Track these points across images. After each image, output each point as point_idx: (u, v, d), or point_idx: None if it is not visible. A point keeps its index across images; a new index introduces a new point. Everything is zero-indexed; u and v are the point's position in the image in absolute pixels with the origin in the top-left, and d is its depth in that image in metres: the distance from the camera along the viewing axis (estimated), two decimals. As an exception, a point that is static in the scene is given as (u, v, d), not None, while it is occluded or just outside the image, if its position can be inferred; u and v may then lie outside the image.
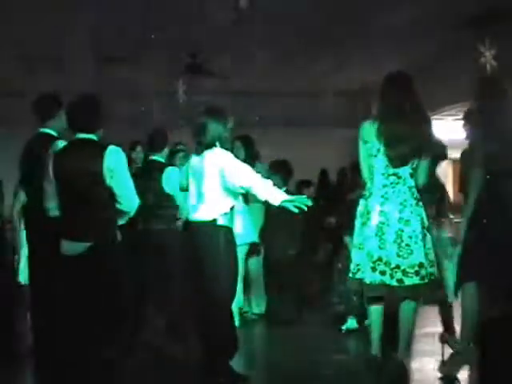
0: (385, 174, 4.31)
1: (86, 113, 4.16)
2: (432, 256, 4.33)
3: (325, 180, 11.23)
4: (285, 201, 4.41)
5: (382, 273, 4.25)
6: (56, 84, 10.25)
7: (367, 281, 4.31)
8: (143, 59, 9.09)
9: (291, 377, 5.04)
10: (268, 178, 6.48)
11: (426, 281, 4.25)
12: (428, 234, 4.34)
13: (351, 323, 5.98)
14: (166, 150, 5.94)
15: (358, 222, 4.43)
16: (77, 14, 7.10)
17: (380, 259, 4.26)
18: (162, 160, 5.87)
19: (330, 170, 11.18)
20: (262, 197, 4.47)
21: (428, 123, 4.44)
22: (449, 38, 8.08)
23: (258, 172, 5.34)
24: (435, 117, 10.80)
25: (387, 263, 4.24)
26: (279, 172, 6.57)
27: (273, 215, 6.34)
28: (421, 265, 4.22)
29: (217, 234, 4.42)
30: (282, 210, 5.72)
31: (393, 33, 7.94)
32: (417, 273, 4.22)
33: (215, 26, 7.54)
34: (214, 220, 4.43)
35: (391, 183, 4.30)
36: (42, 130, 4.91)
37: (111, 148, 4.09)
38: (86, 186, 4.02)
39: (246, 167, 4.51)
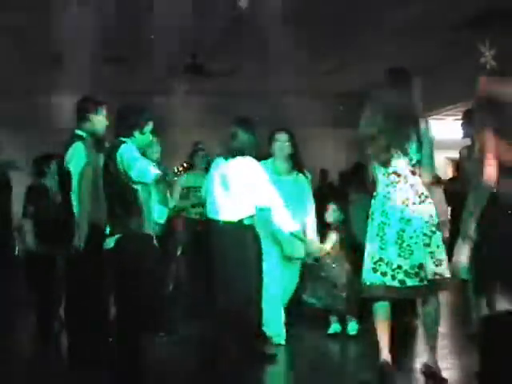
0: (385, 173, 4.27)
1: (122, 119, 4.40)
2: (441, 254, 4.21)
3: (325, 180, 11.25)
4: (292, 234, 5.02)
5: (383, 274, 4.18)
6: (56, 84, 10.28)
7: (367, 282, 4.25)
8: (143, 59, 9.10)
9: (291, 377, 5.06)
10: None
11: (426, 282, 4.14)
12: (437, 232, 4.23)
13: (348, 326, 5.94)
14: None
15: (368, 224, 4.37)
16: (77, 14, 7.11)
17: (381, 260, 4.19)
18: None
19: (330, 171, 11.20)
20: (276, 221, 4.95)
21: (417, 114, 4.34)
22: (449, 38, 8.09)
23: None
24: (435, 117, 10.82)
25: (388, 264, 4.17)
26: None
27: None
28: (420, 266, 4.13)
29: (243, 234, 4.83)
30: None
31: (393, 33, 7.95)
32: (416, 274, 4.13)
33: (215, 26, 7.54)
34: (241, 220, 4.82)
35: (392, 182, 4.24)
36: (76, 131, 4.98)
37: (121, 147, 4.25)
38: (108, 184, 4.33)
39: (269, 186, 4.90)
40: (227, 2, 6.67)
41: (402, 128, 4.23)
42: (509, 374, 3.53)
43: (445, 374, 4.50)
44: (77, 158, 4.81)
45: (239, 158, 4.91)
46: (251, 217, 4.91)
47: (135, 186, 4.22)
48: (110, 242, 4.28)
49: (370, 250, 4.27)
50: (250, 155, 4.95)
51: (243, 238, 4.84)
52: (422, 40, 8.23)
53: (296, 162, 5.68)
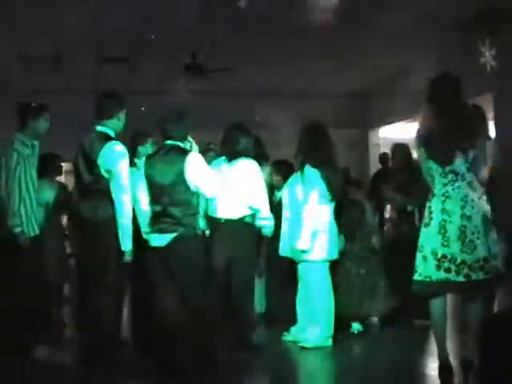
0: (442, 173, 4.36)
1: (176, 124, 4.74)
2: (496, 249, 4.33)
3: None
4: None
5: (447, 270, 4.26)
6: (56, 84, 10.29)
7: (433, 279, 4.32)
8: (143, 59, 9.10)
9: (292, 376, 5.06)
10: (270, 179, 6.62)
11: (491, 275, 4.26)
12: (492, 227, 4.35)
13: (354, 326, 5.96)
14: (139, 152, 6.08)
15: (422, 225, 4.50)
16: (76, 14, 7.11)
17: (444, 256, 4.28)
18: None
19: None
20: (259, 223, 5.38)
21: (470, 118, 4.41)
22: (449, 38, 8.09)
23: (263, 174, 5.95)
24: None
25: (452, 260, 4.26)
26: (281, 172, 6.54)
27: (274, 214, 6.32)
28: (485, 259, 4.24)
29: (244, 230, 5.25)
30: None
31: (393, 33, 7.95)
32: (481, 267, 4.24)
33: (215, 26, 7.55)
34: (242, 218, 5.23)
35: (449, 181, 4.34)
36: (99, 128, 4.96)
37: (192, 153, 4.68)
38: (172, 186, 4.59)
39: (260, 189, 5.31)
40: (227, 2, 6.66)
41: (457, 126, 4.33)
42: (509, 374, 3.54)
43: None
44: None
45: (242, 161, 5.29)
46: (251, 215, 5.30)
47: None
48: (161, 241, 4.56)
49: (431, 247, 4.35)
50: (251, 158, 5.35)
51: (244, 235, 5.24)
52: (422, 40, 8.23)
53: (299, 161, 5.70)
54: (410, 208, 6.44)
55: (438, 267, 4.30)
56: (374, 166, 12.11)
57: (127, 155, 4.92)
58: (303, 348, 5.47)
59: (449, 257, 4.28)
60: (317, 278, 5.52)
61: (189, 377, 4.50)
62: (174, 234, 4.54)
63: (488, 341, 3.76)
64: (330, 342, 5.46)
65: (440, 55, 8.85)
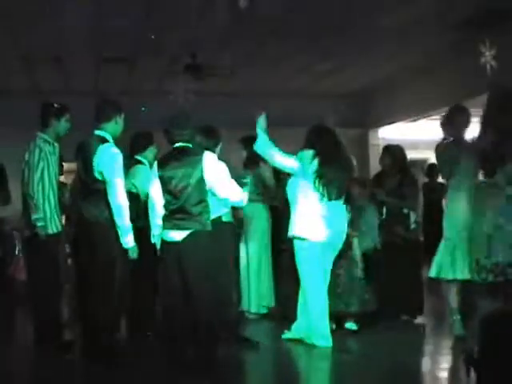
0: (485, 183, 4.69)
1: (184, 126, 4.92)
2: None
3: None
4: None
5: (472, 270, 4.64)
6: (56, 84, 10.29)
7: (459, 277, 4.90)
8: (143, 59, 9.10)
9: (291, 376, 5.06)
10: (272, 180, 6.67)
11: (499, 278, 4.45)
12: None
13: (351, 325, 5.99)
14: (150, 150, 6.11)
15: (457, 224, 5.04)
16: (76, 14, 7.10)
17: (476, 260, 4.56)
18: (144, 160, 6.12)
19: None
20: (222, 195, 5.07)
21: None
22: (449, 38, 8.09)
23: (262, 174, 6.53)
24: (434, 117, 10.81)
25: (477, 262, 4.56)
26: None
27: (283, 211, 6.33)
28: (496, 263, 4.45)
29: (222, 228, 5.20)
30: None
31: (393, 33, 7.94)
32: (491, 270, 4.47)
33: (215, 26, 7.54)
34: (219, 217, 5.15)
35: (489, 191, 4.61)
36: (97, 132, 5.02)
37: (208, 153, 4.84)
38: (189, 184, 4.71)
39: (222, 178, 5.00)
40: (227, 2, 6.65)
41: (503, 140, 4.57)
42: (508, 374, 3.54)
43: (445, 374, 4.52)
44: None
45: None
46: (228, 213, 5.40)
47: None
48: (177, 236, 4.65)
49: (468, 250, 4.78)
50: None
51: (222, 233, 5.24)
52: (422, 40, 8.22)
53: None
54: (405, 211, 6.43)
55: (469, 269, 4.71)
56: (374, 165, 12.10)
57: (121, 157, 4.96)
58: (303, 344, 5.48)
59: (476, 260, 4.56)
60: (305, 257, 5.52)
61: (189, 376, 4.51)
62: (191, 230, 4.64)
63: (488, 337, 3.77)
64: (330, 342, 5.46)
65: (440, 55, 8.85)
